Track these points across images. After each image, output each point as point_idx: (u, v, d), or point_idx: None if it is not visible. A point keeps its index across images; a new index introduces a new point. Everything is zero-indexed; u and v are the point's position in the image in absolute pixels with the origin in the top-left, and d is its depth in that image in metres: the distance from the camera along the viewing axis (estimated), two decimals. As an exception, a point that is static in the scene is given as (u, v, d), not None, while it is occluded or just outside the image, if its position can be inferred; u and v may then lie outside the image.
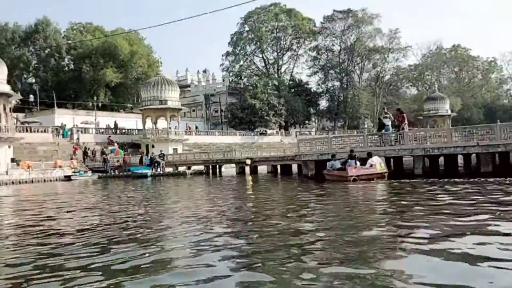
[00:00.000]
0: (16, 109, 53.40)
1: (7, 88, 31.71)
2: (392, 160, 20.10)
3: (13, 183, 28.23)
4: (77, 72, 58.59)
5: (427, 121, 55.81)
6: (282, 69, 73.98)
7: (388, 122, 18.55)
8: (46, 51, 59.45)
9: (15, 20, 69.34)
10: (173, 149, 42.16)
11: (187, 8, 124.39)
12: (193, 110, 68.75)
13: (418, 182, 14.61)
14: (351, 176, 15.37)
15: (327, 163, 17.44)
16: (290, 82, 71.86)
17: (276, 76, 71.07)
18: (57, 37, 60.25)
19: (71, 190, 21.49)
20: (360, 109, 70.40)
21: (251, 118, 58.90)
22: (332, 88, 74.44)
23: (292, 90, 68.43)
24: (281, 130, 62.05)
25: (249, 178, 25.31)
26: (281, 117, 60.94)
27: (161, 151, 34.76)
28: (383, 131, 18.63)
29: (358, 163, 16.13)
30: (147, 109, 42.86)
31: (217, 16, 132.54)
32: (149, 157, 32.22)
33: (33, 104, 56.94)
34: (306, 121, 71.14)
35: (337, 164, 16.60)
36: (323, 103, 75.83)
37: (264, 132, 58.78)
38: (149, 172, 30.39)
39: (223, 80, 71.41)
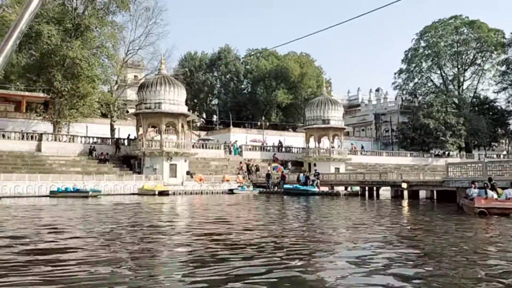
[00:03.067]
0: (201, 128, 60.35)
1: (184, 109, 35.88)
2: None
3: (185, 193, 31.60)
4: (253, 94, 63.20)
5: None
6: (464, 86, 66.99)
7: None
8: (227, 76, 65.67)
9: (202, 49, 78.77)
10: (335, 168, 41.78)
11: (361, 32, 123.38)
12: (362, 130, 67.29)
13: None
14: (478, 208, 12.87)
15: (466, 190, 15.00)
16: (473, 100, 64.69)
17: (456, 94, 64.75)
18: (236, 63, 66.07)
19: (234, 202, 23.13)
20: None
21: (425, 139, 54.74)
22: (526, 106, 64.38)
23: (476, 109, 61.55)
24: (461, 152, 56.09)
25: (404, 203, 23.54)
26: (460, 138, 55.11)
27: (315, 170, 34.78)
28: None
29: (493, 194, 13.41)
30: (310, 128, 43.56)
31: (391, 33, 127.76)
32: (304, 176, 32.50)
33: (215, 123, 63.47)
34: (493, 143, 62.88)
35: (475, 192, 14.09)
36: (515, 123, 66.02)
37: (440, 153, 53.97)
38: (315, 190, 30.37)
39: (395, 99, 68.22)
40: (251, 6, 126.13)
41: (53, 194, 26.21)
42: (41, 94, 39.97)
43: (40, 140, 32.70)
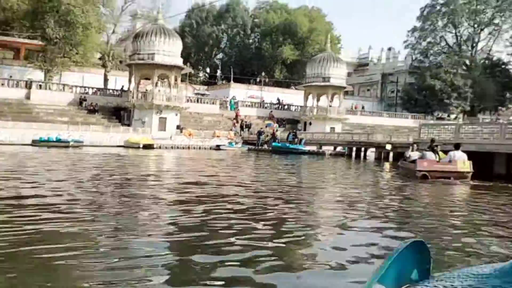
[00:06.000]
0: (204, 83, 59.82)
1: (179, 61, 35.26)
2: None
3: (172, 147, 31.67)
4: (259, 50, 61.89)
5: None
6: (478, 47, 64.39)
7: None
8: (234, 30, 64.11)
9: (210, 1, 76.67)
10: (331, 128, 41.25)
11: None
12: (368, 90, 65.91)
13: None
14: (420, 171, 12.49)
15: (405, 153, 14.70)
16: (485, 62, 62.26)
17: (469, 55, 62.37)
18: (245, 16, 64.28)
19: (215, 158, 23.19)
20: None
21: (428, 101, 53.47)
22: (540, 70, 61.77)
23: (487, 71, 59.37)
24: (465, 116, 54.75)
25: (386, 165, 23.44)
26: (465, 101, 53.65)
27: (296, 129, 34.54)
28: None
29: (435, 156, 13.00)
30: (309, 86, 42.78)
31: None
32: (291, 134, 32.23)
33: (218, 78, 62.82)
34: (500, 108, 61.03)
35: (415, 155, 13.72)
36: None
37: (441, 116, 52.80)
38: (304, 148, 30.28)
39: (405, 58, 66.09)
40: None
41: (35, 143, 26.50)
42: (41, 42, 39.79)
43: (29, 88, 32.80)
